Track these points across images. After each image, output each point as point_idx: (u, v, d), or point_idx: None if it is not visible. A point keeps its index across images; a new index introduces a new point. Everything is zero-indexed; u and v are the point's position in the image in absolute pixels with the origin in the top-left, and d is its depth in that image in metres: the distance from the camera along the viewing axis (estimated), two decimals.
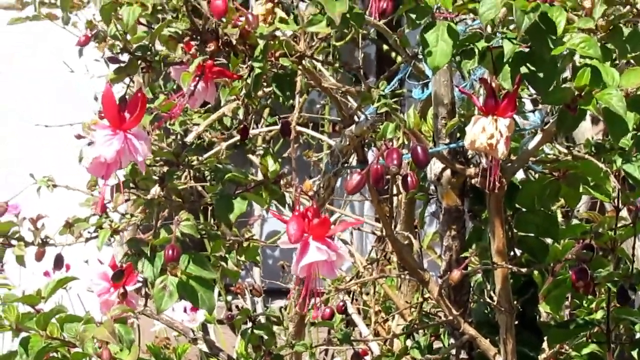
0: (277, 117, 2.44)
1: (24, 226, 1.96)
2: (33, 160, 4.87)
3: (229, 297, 3.88)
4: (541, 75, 1.69)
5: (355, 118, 2.01)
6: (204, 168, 1.87)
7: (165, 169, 1.88)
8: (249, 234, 2.09)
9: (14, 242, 1.95)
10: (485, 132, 1.72)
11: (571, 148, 2.17)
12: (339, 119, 2.01)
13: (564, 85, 1.73)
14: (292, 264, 1.70)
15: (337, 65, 2.06)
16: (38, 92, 5.11)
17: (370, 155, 2.02)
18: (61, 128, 3.36)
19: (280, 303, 3.87)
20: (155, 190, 1.87)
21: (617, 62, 1.78)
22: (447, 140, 2.18)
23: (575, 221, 2.58)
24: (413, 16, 1.75)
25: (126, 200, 1.89)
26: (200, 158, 1.94)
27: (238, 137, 2.41)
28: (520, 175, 2.43)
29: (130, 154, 1.74)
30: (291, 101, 1.82)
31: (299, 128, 2.42)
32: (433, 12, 1.75)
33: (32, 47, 5.09)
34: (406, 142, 1.80)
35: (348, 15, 1.66)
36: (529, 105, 2.17)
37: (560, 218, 2.80)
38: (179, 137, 2.32)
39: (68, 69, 3.76)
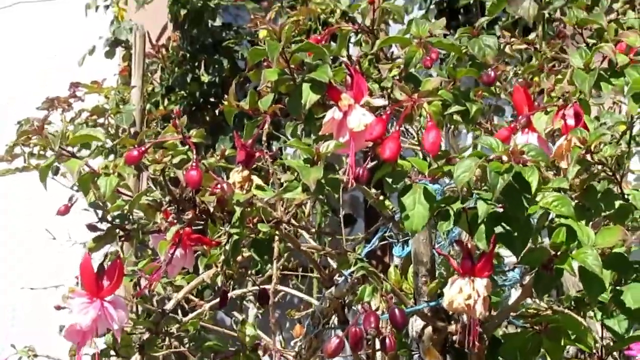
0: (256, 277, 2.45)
1: None
2: None
3: None
4: (516, 234, 1.70)
5: (335, 280, 2.02)
6: (184, 335, 1.86)
7: (146, 336, 1.88)
8: None
9: None
10: (462, 293, 1.72)
11: (551, 302, 2.17)
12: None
13: (539, 245, 1.74)
14: None
15: (325, 209, 2.07)
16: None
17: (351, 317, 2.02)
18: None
19: None
20: (136, 358, 1.86)
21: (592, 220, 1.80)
22: (428, 298, 2.18)
23: None
24: (390, 180, 1.76)
25: None
26: (182, 320, 1.93)
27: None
28: None
29: (107, 321, 1.75)
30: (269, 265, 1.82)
31: (280, 288, 2.43)
32: (409, 175, 1.76)
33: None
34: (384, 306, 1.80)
35: (323, 181, 1.68)
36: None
37: None
38: (159, 303, 2.33)
39: (50, 236, 3.77)
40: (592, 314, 2.08)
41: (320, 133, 1.76)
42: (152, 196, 1.77)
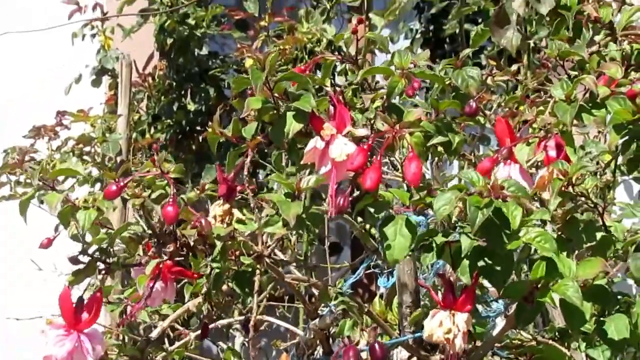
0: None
1: None
2: None
3: None
4: (498, 269, 1.70)
5: (320, 310, 2.02)
6: None
7: None
8: None
9: None
10: (442, 327, 1.72)
11: (536, 332, 2.17)
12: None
13: (521, 279, 1.74)
14: None
15: (311, 237, 2.07)
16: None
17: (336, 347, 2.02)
18: None
19: None
20: None
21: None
22: (412, 329, 2.18)
23: None
24: (372, 210, 1.76)
25: None
26: (168, 348, 1.93)
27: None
28: None
29: (83, 354, 1.75)
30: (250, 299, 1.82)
31: (265, 318, 2.42)
32: (391, 206, 1.76)
33: None
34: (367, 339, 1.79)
35: (304, 216, 1.68)
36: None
37: None
38: (145, 331, 2.32)
39: (35, 267, 3.77)
40: (576, 344, 2.08)
41: (302, 162, 1.75)
42: (134, 229, 1.76)
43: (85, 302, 1.77)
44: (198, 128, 4.61)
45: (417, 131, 1.74)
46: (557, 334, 2.11)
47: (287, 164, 1.99)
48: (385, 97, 1.85)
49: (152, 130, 4.65)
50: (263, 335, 4.11)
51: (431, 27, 4.44)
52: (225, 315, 2.81)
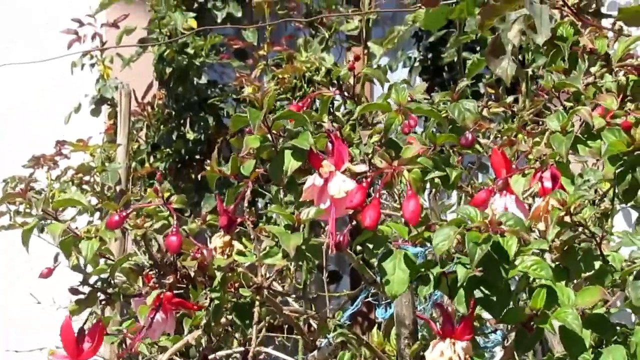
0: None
1: None
2: None
3: None
4: (495, 299, 1.71)
5: (319, 341, 2.03)
6: None
7: None
8: None
9: None
10: (443, 357, 1.74)
11: None
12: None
13: (520, 305, 1.75)
14: None
15: (310, 266, 2.08)
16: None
17: None
18: None
19: None
20: None
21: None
22: None
23: None
24: (370, 246, 1.78)
25: None
26: None
27: None
28: None
29: None
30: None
31: (263, 349, 2.43)
32: (390, 241, 1.78)
33: None
34: None
35: (304, 247, 1.69)
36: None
37: None
38: None
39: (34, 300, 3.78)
40: None
41: (301, 199, 1.77)
42: (134, 260, 1.78)
43: (86, 332, 1.78)
44: (197, 157, 4.62)
45: (416, 167, 1.76)
46: None
47: (285, 194, 2.01)
48: (382, 132, 1.87)
49: (152, 159, 4.66)
50: None
51: (429, 55, 4.46)
52: (224, 346, 2.82)
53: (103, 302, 1.84)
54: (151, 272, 1.81)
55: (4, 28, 5.19)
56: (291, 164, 1.76)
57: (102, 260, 1.85)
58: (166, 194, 1.83)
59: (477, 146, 2.06)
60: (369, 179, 1.76)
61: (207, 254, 1.69)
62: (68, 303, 1.91)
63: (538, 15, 1.91)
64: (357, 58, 2.11)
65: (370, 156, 1.87)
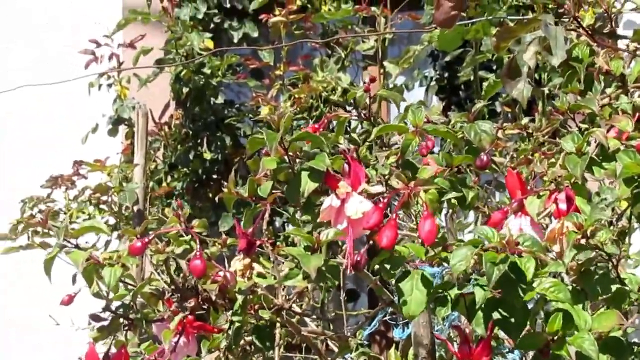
0: None
1: None
2: None
3: None
4: (513, 320, 1.72)
5: None
6: None
7: None
8: None
9: None
10: None
11: None
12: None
13: (535, 328, 1.76)
14: None
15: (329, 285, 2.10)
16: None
17: None
18: None
19: None
20: None
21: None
22: None
23: None
24: (388, 266, 1.79)
25: None
26: None
27: None
28: None
29: None
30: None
31: None
32: (407, 261, 1.80)
33: None
34: None
35: (324, 268, 1.71)
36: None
37: None
38: None
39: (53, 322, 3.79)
40: None
41: (318, 220, 1.79)
42: (155, 285, 1.80)
43: (110, 358, 1.79)
44: (214, 176, 4.64)
45: (432, 188, 1.78)
46: None
47: (302, 214, 2.02)
48: (399, 153, 1.89)
49: (169, 179, 4.68)
50: None
51: (446, 75, 4.48)
52: None
53: (126, 328, 1.86)
54: (172, 297, 1.83)
55: (4, 28, 5.22)
56: (308, 185, 1.78)
57: (121, 285, 1.86)
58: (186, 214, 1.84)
59: (494, 165, 2.07)
60: (385, 200, 1.78)
61: (230, 277, 1.71)
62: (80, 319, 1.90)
63: (553, 37, 1.92)
64: (372, 80, 2.13)
65: (387, 177, 1.89)
